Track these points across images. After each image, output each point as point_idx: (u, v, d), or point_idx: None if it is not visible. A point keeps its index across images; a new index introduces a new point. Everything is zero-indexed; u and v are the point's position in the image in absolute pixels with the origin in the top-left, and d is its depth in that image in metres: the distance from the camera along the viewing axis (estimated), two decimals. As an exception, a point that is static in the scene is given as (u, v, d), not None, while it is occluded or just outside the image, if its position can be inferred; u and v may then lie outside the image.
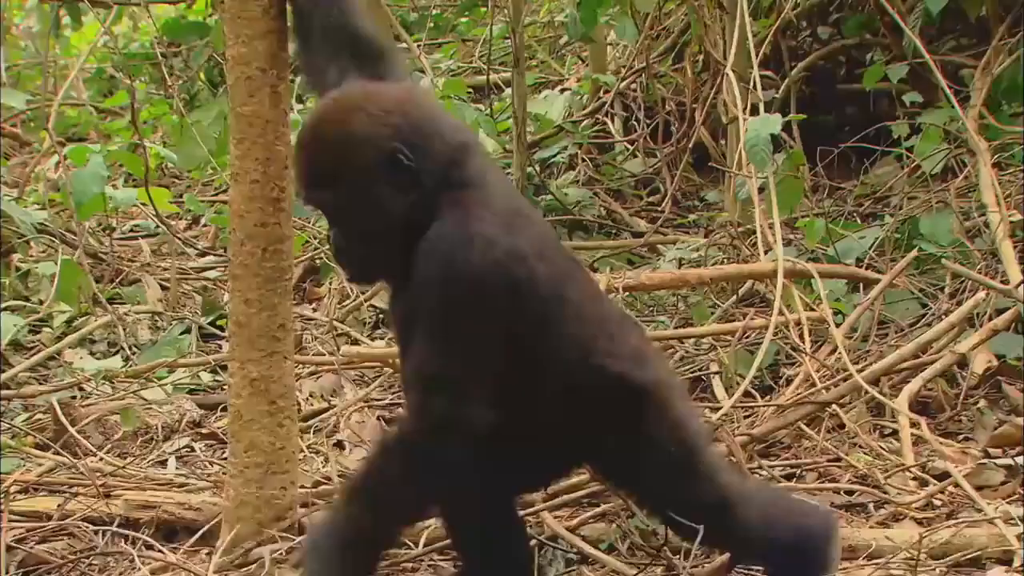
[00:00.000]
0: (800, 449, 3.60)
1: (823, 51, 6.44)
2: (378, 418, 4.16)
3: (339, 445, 3.91)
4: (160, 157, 6.12)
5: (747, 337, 4.16)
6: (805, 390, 3.72)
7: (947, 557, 2.85)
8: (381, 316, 5.24)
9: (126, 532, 3.08)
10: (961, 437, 3.69)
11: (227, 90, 2.98)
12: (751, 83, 4.46)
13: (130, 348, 4.71)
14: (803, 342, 3.84)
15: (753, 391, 3.88)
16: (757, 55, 4.37)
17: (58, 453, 3.61)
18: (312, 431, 3.99)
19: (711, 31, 5.73)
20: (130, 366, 4.47)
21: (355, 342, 4.77)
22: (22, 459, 3.64)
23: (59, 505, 3.21)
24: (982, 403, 3.81)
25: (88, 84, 8.54)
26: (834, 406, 3.62)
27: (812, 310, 4.00)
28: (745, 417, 3.66)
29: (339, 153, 2.44)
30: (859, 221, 5.26)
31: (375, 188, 2.43)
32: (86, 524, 3.14)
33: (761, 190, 4.36)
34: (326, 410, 4.17)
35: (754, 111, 4.45)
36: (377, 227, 2.46)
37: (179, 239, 5.91)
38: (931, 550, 2.86)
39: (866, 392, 3.58)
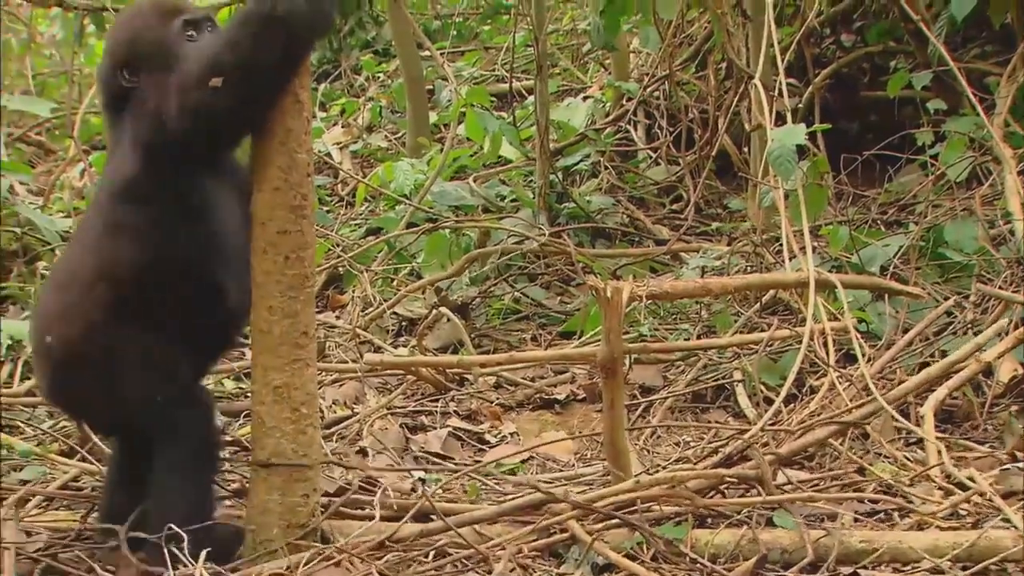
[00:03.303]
0: (824, 458, 3.58)
1: (847, 58, 6.43)
2: (401, 425, 4.17)
3: (362, 452, 3.91)
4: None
5: (770, 345, 4.15)
6: (829, 401, 3.70)
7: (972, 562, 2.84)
8: (404, 324, 5.25)
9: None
10: (987, 445, 3.67)
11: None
12: (776, 91, 4.45)
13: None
14: (827, 353, 3.82)
15: (774, 398, 3.86)
16: (782, 63, 4.35)
17: (84, 459, 3.62)
18: (335, 438, 4.00)
19: (734, 39, 5.72)
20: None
21: (378, 350, 4.79)
22: (47, 468, 3.65)
23: (82, 517, 3.21)
24: (1011, 410, 3.78)
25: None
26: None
27: (836, 319, 3.98)
28: (771, 425, 3.63)
29: None
30: (883, 229, 5.25)
31: None
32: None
33: (785, 197, 4.35)
34: (349, 417, 4.18)
35: (779, 119, 4.44)
36: None
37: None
38: (955, 555, 2.84)
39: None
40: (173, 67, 2.86)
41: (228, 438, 3.97)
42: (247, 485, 3.10)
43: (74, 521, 3.21)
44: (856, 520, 3.13)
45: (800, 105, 5.89)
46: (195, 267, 2.95)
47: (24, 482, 3.45)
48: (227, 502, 3.30)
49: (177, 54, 2.90)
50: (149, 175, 2.90)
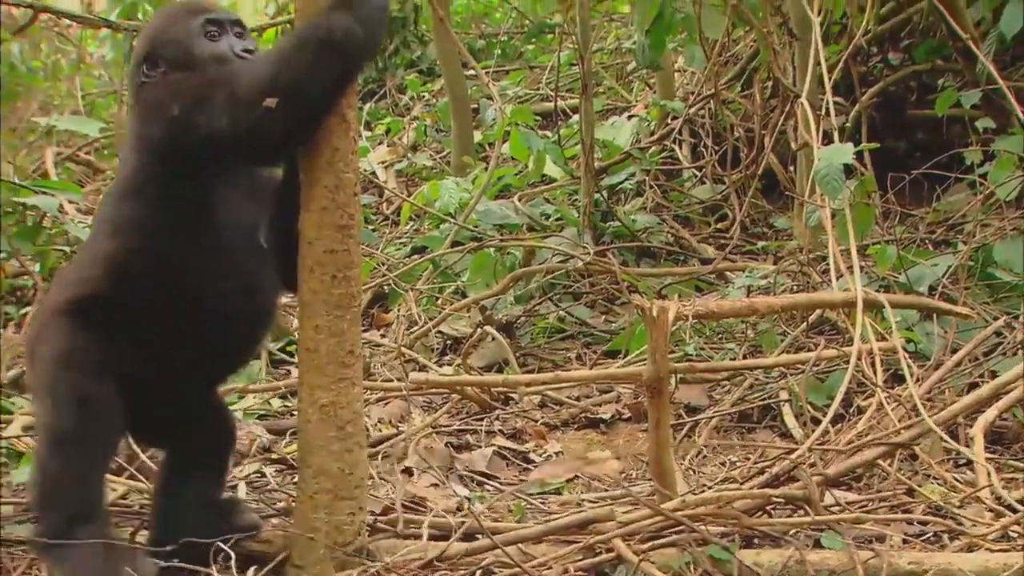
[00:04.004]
0: (872, 479, 3.56)
1: (894, 77, 6.40)
2: (446, 444, 4.17)
3: (407, 471, 3.91)
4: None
5: (817, 365, 4.13)
6: (877, 422, 3.67)
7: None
8: (449, 342, 5.25)
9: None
10: (1038, 467, 3.64)
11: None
12: (823, 110, 4.43)
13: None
14: (875, 373, 3.80)
15: (822, 418, 3.84)
16: (829, 82, 4.33)
17: (132, 478, 3.64)
18: (381, 457, 4.00)
19: (780, 57, 5.71)
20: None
21: (423, 368, 4.79)
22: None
23: (131, 534, 3.23)
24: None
25: (160, 111, 8.60)
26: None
27: (884, 339, 3.95)
28: (819, 445, 3.61)
29: None
30: (931, 248, 5.22)
31: None
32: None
33: (832, 216, 4.33)
34: (394, 436, 4.18)
35: (826, 138, 4.43)
36: None
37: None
38: (1008, 577, 2.82)
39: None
40: (192, 66, 2.91)
41: (274, 456, 4.00)
42: (293, 504, 3.11)
43: (123, 539, 3.23)
44: (905, 542, 3.10)
45: (847, 124, 5.87)
46: (174, 270, 2.91)
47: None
48: (273, 520, 3.31)
49: (194, 52, 2.93)
50: (151, 173, 2.89)
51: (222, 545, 2.82)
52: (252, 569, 2.84)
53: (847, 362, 3.81)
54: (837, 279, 4.18)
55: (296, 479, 3.11)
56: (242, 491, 3.69)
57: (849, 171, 4.33)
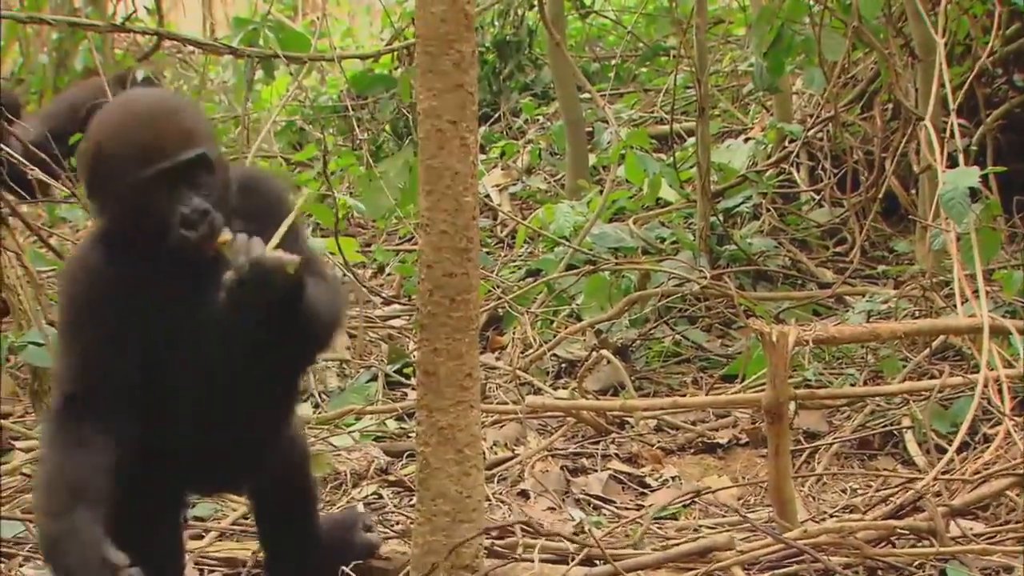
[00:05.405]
0: (999, 509, 3.47)
1: (1020, 99, 6.27)
2: (561, 468, 4.16)
3: (523, 494, 3.91)
4: (348, 207, 6.23)
5: (941, 392, 4.05)
6: (1004, 451, 3.59)
7: None
8: (564, 366, 5.24)
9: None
10: None
11: (412, 141, 3.02)
12: (947, 132, 4.36)
13: (320, 395, 4.79)
14: (1002, 401, 3.71)
15: (946, 446, 3.77)
16: (954, 104, 4.26)
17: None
18: (496, 480, 4.00)
19: (902, 79, 5.62)
20: (320, 413, 4.55)
21: (538, 391, 4.79)
22: (219, 505, 3.73)
23: (254, 552, 3.27)
24: None
25: (278, 136, 8.76)
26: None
27: (1011, 366, 3.87)
28: (944, 474, 3.54)
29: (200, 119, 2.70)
30: (1059, 273, 5.08)
31: None
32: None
33: (956, 240, 4.25)
34: (510, 459, 4.18)
35: (950, 161, 4.35)
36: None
37: (365, 288, 6.01)
38: None
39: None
40: (133, 220, 2.59)
41: (391, 478, 4.02)
42: (412, 526, 3.12)
43: (246, 552, 3.28)
44: (1034, 574, 3.03)
45: (971, 146, 5.75)
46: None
47: (198, 518, 3.54)
48: (391, 542, 3.33)
49: (136, 209, 2.57)
50: None
51: (346, 570, 2.84)
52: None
53: (973, 389, 3.73)
54: (962, 304, 4.10)
55: (414, 501, 3.12)
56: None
57: (974, 194, 4.25)
